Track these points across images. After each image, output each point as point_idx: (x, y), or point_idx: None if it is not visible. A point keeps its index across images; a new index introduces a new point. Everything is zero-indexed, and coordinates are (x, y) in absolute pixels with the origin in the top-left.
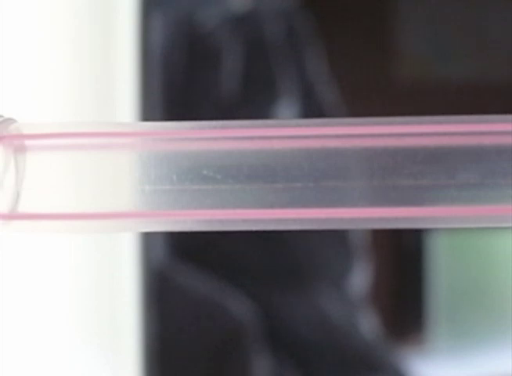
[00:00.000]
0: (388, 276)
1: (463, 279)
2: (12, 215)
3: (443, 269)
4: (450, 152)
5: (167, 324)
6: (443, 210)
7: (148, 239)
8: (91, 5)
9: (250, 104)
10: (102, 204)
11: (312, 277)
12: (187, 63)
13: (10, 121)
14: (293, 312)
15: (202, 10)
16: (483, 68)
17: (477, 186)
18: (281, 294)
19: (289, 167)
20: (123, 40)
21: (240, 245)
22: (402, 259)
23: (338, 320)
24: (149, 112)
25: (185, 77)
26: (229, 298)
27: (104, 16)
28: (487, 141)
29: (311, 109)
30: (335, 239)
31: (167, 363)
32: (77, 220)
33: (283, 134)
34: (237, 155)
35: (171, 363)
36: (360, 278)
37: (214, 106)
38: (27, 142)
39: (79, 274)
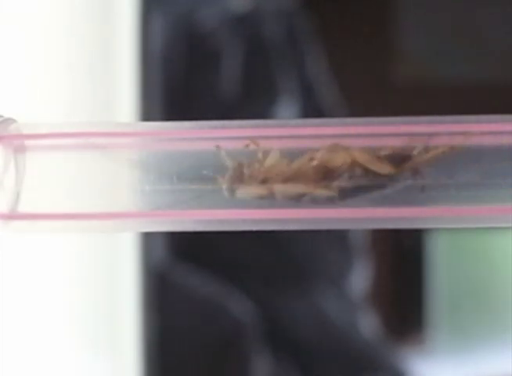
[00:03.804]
0: (388, 276)
1: (463, 279)
2: (12, 215)
3: (443, 269)
4: (450, 152)
5: (167, 324)
6: (443, 210)
7: (148, 239)
8: (91, 6)
9: (250, 104)
10: (102, 204)
11: (312, 277)
12: (187, 62)
13: (10, 121)
14: (293, 312)
15: (202, 10)
16: (483, 68)
17: (477, 186)
18: (281, 294)
19: None
20: (123, 40)
21: (240, 245)
22: (402, 259)
23: (338, 320)
24: (149, 112)
25: (185, 77)
26: (229, 298)
27: (104, 16)
28: (487, 141)
29: (311, 109)
30: (335, 239)
31: (166, 362)
32: (76, 220)
33: (283, 134)
34: (237, 155)
35: (171, 362)
36: (360, 278)
37: (214, 106)
38: (27, 142)
39: (79, 274)
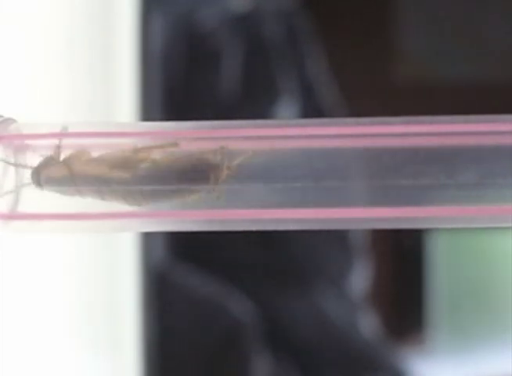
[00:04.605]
0: (388, 276)
1: (463, 279)
2: (12, 215)
3: (443, 269)
4: (450, 152)
5: (167, 324)
6: (443, 210)
7: (148, 239)
8: (91, 6)
9: (250, 104)
10: (102, 204)
11: (312, 277)
12: (187, 62)
13: (10, 121)
14: (293, 312)
15: (202, 10)
16: (483, 68)
17: (477, 186)
18: (281, 294)
19: (289, 167)
20: (123, 40)
21: (240, 245)
22: (402, 259)
23: (338, 320)
24: (149, 112)
25: (185, 77)
26: (229, 298)
27: (104, 16)
28: (487, 141)
29: (311, 109)
30: (335, 239)
31: (167, 362)
32: (77, 220)
33: (283, 134)
34: (237, 155)
35: (171, 362)
36: (360, 278)
37: (214, 106)
38: (27, 142)
39: (79, 274)
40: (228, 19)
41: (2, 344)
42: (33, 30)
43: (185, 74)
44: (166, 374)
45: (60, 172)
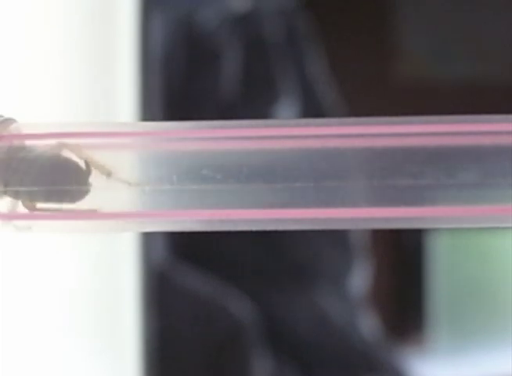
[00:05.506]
0: (388, 276)
1: (463, 279)
2: (12, 215)
3: (443, 269)
4: (450, 152)
5: (167, 324)
6: (443, 210)
7: (148, 239)
8: (91, 5)
9: (250, 104)
10: (102, 204)
11: (312, 277)
12: (187, 63)
13: (10, 120)
14: (294, 312)
15: (202, 10)
16: (483, 68)
17: (477, 186)
18: (281, 294)
19: (289, 167)
20: (123, 40)
21: (240, 245)
22: (402, 259)
23: (338, 320)
24: (149, 112)
25: (185, 77)
26: (229, 298)
27: (104, 16)
28: (487, 141)
29: (311, 109)
30: (335, 239)
31: (166, 362)
32: (77, 220)
33: (283, 134)
34: (237, 155)
35: (171, 362)
36: (360, 278)
37: (214, 106)
38: (27, 142)
39: (79, 274)
40: (228, 20)
41: (2, 344)
42: (33, 31)
43: (185, 74)
44: (166, 374)
45: None
